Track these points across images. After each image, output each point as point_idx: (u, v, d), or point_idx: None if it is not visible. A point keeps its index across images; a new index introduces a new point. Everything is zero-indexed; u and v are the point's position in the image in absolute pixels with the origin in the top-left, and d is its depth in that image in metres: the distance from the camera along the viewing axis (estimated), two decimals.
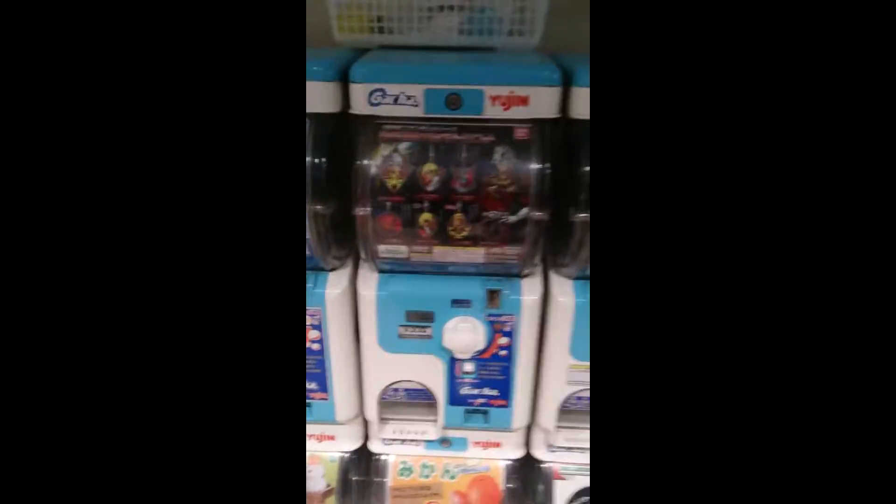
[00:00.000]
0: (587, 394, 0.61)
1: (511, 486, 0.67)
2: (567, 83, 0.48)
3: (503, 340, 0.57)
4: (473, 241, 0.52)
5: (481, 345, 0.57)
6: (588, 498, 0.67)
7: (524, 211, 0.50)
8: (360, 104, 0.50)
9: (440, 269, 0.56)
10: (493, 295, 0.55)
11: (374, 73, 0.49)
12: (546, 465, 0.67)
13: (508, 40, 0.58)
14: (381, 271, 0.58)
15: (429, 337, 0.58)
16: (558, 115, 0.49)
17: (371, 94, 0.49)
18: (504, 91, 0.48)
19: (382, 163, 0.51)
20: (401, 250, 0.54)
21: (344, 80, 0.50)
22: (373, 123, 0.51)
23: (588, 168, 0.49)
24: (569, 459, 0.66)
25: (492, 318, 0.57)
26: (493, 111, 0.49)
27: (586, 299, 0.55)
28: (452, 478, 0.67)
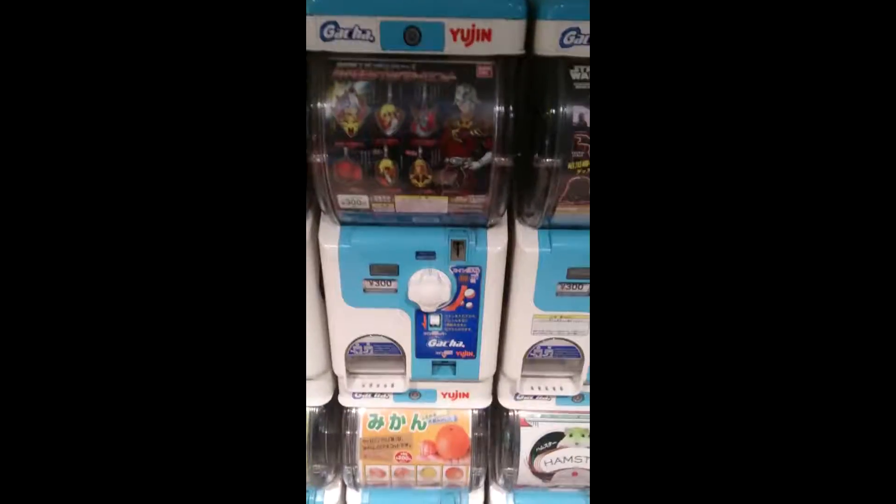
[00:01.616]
0: (551, 343, 0.62)
1: (479, 434, 0.69)
2: (532, 16, 0.46)
3: (469, 292, 0.57)
4: (436, 189, 0.50)
5: (447, 297, 0.56)
6: (554, 442, 0.69)
7: (488, 156, 0.48)
8: (311, 39, 0.46)
9: (404, 221, 0.54)
10: (457, 246, 0.54)
11: (326, 2, 0.45)
12: (512, 413, 0.69)
13: None
14: (342, 223, 0.55)
15: (394, 291, 0.57)
16: (522, 52, 0.47)
17: (323, 27, 0.45)
18: (466, 24, 0.45)
19: (337, 104, 0.47)
20: (362, 200, 0.51)
21: None
22: (325, 61, 0.47)
23: (554, 111, 0.47)
24: (534, 407, 0.69)
25: (457, 270, 0.56)
26: (454, 47, 0.45)
27: (550, 249, 0.54)
28: (422, 428, 0.68)
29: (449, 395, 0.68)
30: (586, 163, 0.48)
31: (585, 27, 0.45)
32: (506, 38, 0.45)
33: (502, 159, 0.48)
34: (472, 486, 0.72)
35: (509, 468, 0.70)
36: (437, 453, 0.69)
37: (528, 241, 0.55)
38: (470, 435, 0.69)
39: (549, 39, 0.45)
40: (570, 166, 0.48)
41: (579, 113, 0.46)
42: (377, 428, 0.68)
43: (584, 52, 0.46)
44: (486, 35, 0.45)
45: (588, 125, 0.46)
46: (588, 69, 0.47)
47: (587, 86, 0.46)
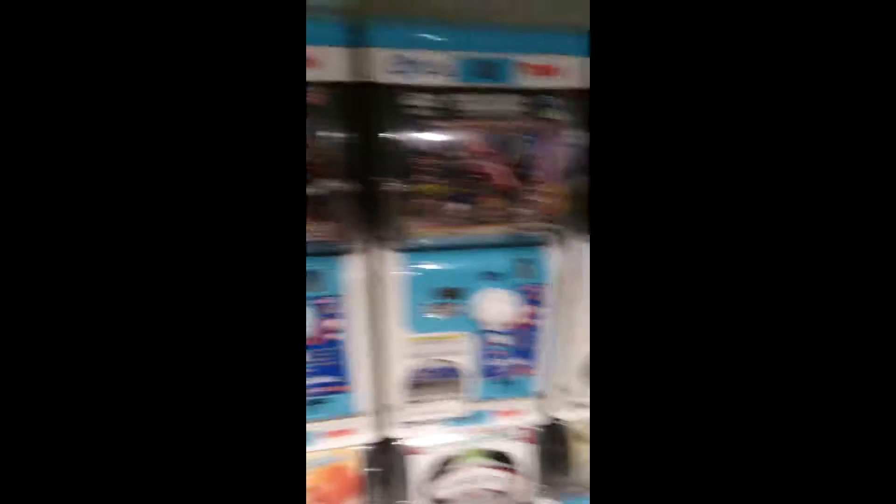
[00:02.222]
0: (432, 365, 0.61)
1: (368, 469, 0.65)
2: (363, 44, 0.46)
3: (331, 323, 0.54)
4: None
5: (307, 332, 0.53)
6: (449, 466, 0.68)
7: (325, 184, 0.47)
8: None
9: None
10: (312, 277, 0.52)
11: None
12: (401, 442, 0.67)
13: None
14: None
15: None
16: (352, 79, 0.46)
17: None
18: None
19: None
20: None
21: None
22: None
23: (388, 136, 0.47)
24: (423, 433, 0.67)
25: (316, 302, 0.53)
26: None
27: (413, 271, 0.54)
28: None
29: (330, 433, 0.64)
30: (427, 186, 0.48)
31: (415, 55, 0.46)
32: (333, 64, 0.45)
33: (342, 186, 0.47)
34: None
35: (405, 500, 0.67)
36: (322, 499, 0.64)
37: (389, 264, 0.54)
38: (358, 472, 0.65)
39: (381, 66, 0.46)
40: (411, 190, 0.48)
41: (414, 138, 0.47)
42: None
43: (415, 79, 0.47)
44: (314, 63, 0.44)
45: (422, 150, 0.47)
46: (421, 95, 0.48)
47: (420, 112, 0.47)
